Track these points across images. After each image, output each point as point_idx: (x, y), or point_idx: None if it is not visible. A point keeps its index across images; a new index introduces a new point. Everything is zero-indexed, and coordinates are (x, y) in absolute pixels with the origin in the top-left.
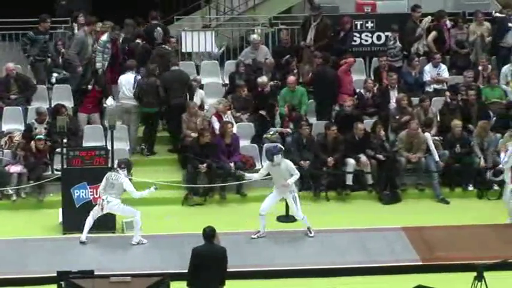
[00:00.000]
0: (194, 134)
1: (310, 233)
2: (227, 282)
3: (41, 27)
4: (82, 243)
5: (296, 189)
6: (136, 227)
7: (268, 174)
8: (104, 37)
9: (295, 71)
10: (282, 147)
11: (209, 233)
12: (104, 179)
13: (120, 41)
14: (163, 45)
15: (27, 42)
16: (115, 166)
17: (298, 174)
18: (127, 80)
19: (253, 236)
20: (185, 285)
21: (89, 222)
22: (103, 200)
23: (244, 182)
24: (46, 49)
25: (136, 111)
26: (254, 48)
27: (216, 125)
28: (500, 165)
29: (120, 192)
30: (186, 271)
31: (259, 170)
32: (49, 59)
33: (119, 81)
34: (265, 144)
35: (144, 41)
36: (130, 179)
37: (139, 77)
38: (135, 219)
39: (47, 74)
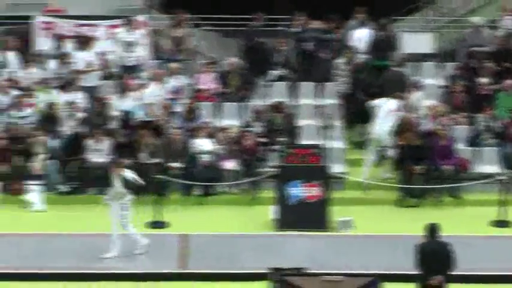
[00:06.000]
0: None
1: None
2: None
3: (327, 26)
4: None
5: None
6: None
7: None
8: (340, 59)
9: None
10: None
11: (432, 229)
12: None
13: (358, 62)
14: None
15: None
16: None
17: None
18: (363, 35)
19: None
20: (396, 287)
21: None
22: None
23: (460, 185)
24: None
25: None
26: (476, 31)
27: (429, 127)
28: None
29: None
30: (400, 272)
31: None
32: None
33: (352, 35)
34: None
35: None
36: None
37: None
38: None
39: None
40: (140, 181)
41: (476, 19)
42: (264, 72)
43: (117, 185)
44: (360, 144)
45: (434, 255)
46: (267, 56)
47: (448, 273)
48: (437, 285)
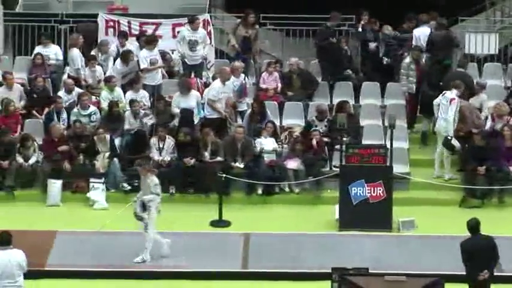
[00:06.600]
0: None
1: None
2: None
3: (405, 26)
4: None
5: None
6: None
7: None
8: (407, 59)
9: None
10: None
11: (473, 225)
12: None
13: (423, 61)
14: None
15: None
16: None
17: None
18: (424, 33)
19: None
20: (462, 287)
21: None
22: None
23: None
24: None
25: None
26: None
27: (493, 126)
28: None
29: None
30: (463, 273)
31: None
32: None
33: (413, 34)
34: None
35: None
36: None
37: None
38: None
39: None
40: (148, 207)
41: None
42: (336, 72)
43: (144, 188)
44: (423, 142)
45: (479, 251)
46: (338, 56)
47: (494, 267)
48: (485, 279)
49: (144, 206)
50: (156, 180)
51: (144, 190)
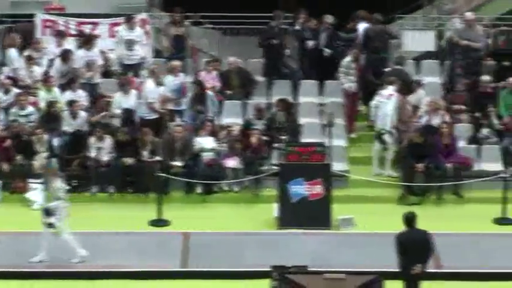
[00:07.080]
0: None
1: None
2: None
3: (349, 26)
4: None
5: None
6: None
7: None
8: (348, 57)
9: None
10: None
11: (409, 218)
12: None
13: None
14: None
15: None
16: None
17: None
18: (363, 28)
19: None
20: (398, 285)
21: None
22: None
23: (462, 182)
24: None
25: None
26: (469, 27)
27: (429, 121)
28: None
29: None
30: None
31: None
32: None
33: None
34: None
35: None
36: None
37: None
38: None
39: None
40: (55, 213)
41: (468, 14)
42: (275, 71)
43: (51, 192)
44: (363, 141)
45: (414, 244)
46: (278, 56)
47: (428, 260)
48: (419, 273)
49: (48, 213)
50: (59, 184)
51: (52, 194)
